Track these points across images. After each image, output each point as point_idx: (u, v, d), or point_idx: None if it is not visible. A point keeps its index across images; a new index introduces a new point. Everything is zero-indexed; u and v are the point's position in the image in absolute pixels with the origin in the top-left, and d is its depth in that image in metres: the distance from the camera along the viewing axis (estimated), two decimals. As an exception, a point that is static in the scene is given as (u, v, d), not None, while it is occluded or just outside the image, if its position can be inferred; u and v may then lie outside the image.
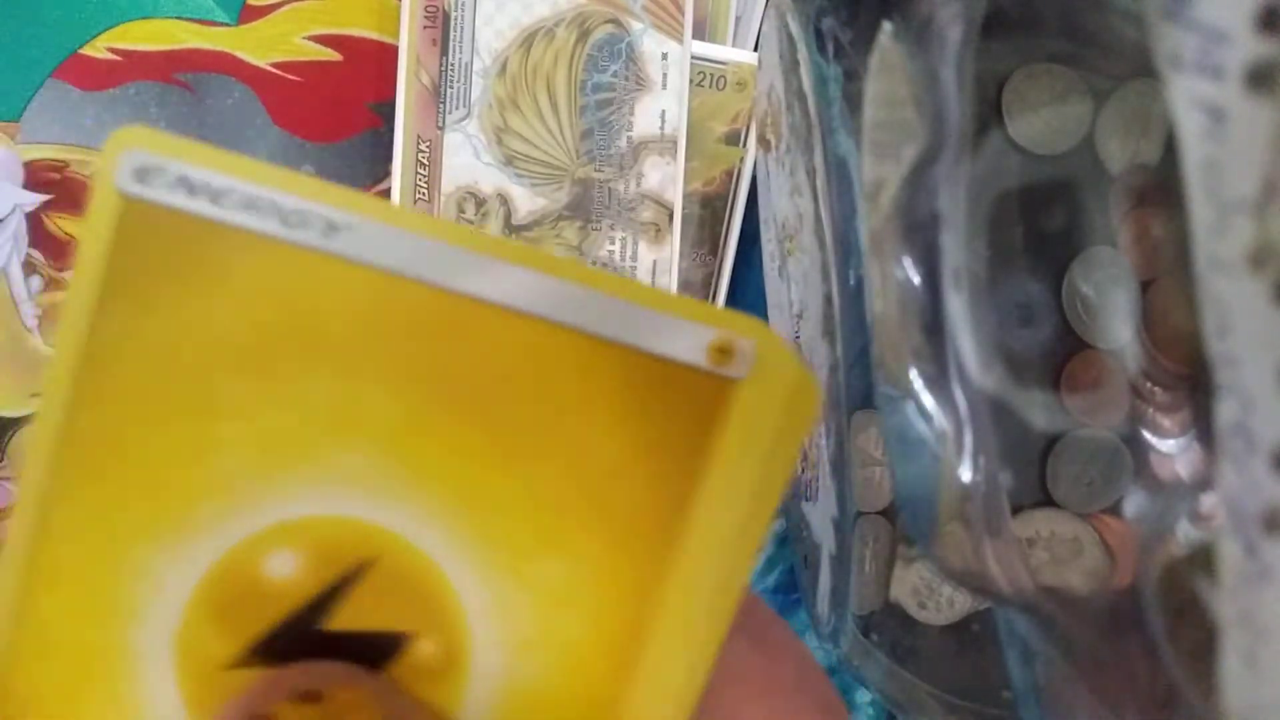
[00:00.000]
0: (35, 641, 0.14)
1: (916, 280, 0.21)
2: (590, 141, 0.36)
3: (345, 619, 0.14)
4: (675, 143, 0.36)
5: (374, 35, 0.36)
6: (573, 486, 0.14)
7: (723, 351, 0.14)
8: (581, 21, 0.35)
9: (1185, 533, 0.25)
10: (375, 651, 0.15)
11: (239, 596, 0.14)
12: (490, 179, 0.36)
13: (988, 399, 0.21)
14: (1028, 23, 0.26)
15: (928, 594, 0.30)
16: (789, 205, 0.31)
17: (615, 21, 0.36)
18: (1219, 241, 0.13)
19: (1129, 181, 0.27)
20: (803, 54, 0.28)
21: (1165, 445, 0.27)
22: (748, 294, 0.38)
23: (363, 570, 0.14)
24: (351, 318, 0.14)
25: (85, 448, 0.14)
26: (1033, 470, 0.28)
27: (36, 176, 0.36)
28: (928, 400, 0.21)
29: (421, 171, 0.35)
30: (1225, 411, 0.14)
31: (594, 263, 0.36)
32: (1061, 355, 0.28)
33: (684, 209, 0.36)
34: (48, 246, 0.36)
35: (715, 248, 0.37)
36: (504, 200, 0.36)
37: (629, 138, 0.36)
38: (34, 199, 0.36)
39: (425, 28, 0.35)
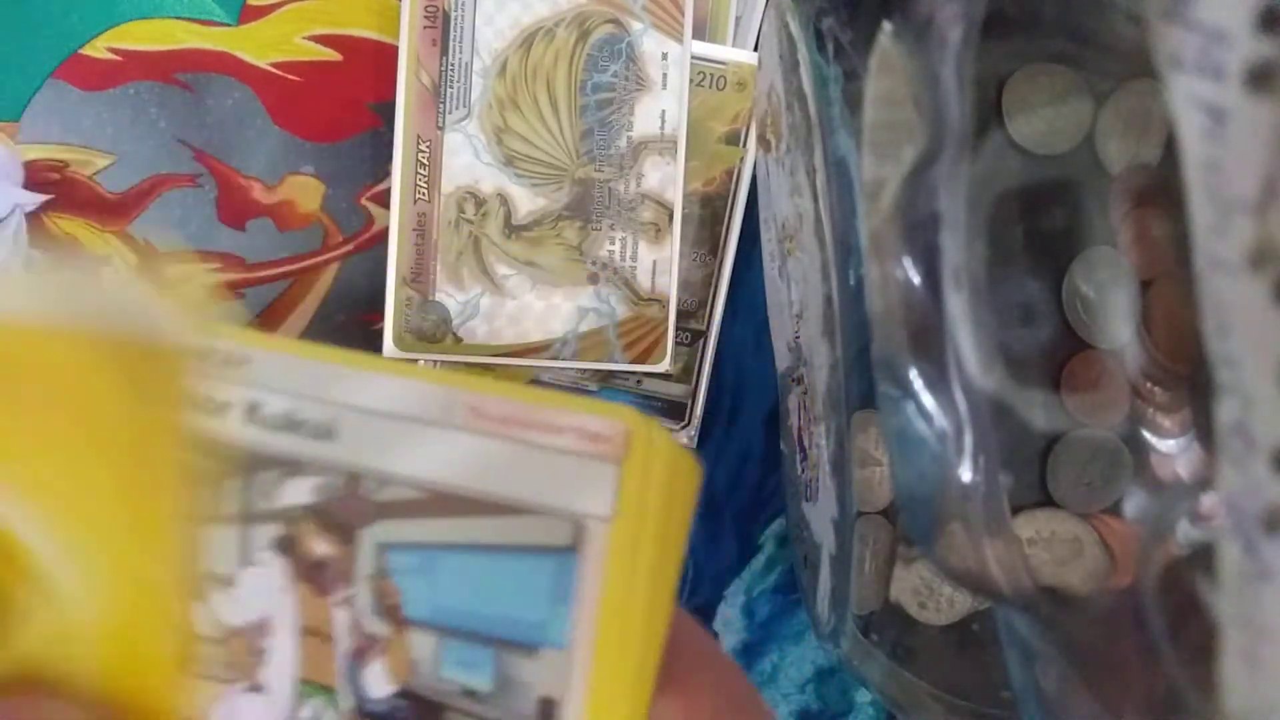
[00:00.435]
0: None
1: (916, 280, 0.21)
2: (590, 141, 0.36)
3: None
4: (675, 143, 0.36)
5: (374, 35, 0.36)
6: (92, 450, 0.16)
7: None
8: (581, 21, 0.35)
9: (1185, 533, 0.25)
10: None
11: None
12: (490, 179, 0.36)
13: (988, 399, 0.21)
14: (1028, 23, 0.26)
15: (928, 594, 0.30)
16: (789, 205, 0.31)
17: (615, 21, 0.36)
18: (1219, 241, 0.13)
19: (1129, 181, 0.27)
20: (803, 54, 0.28)
21: (1165, 445, 0.27)
22: (748, 294, 0.38)
23: None
24: None
25: None
26: (1033, 470, 0.28)
27: (36, 176, 0.36)
28: (928, 400, 0.21)
29: (421, 171, 0.35)
30: (1225, 411, 0.14)
31: (593, 262, 0.36)
32: (1061, 355, 0.28)
33: (684, 209, 0.36)
34: (47, 247, 0.36)
35: (715, 248, 0.37)
36: (504, 200, 0.36)
37: (629, 138, 0.36)
38: (34, 199, 0.36)
39: (425, 28, 0.35)
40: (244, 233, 0.36)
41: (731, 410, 0.38)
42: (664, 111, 0.36)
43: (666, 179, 0.36)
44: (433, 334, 0.35)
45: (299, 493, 0.16)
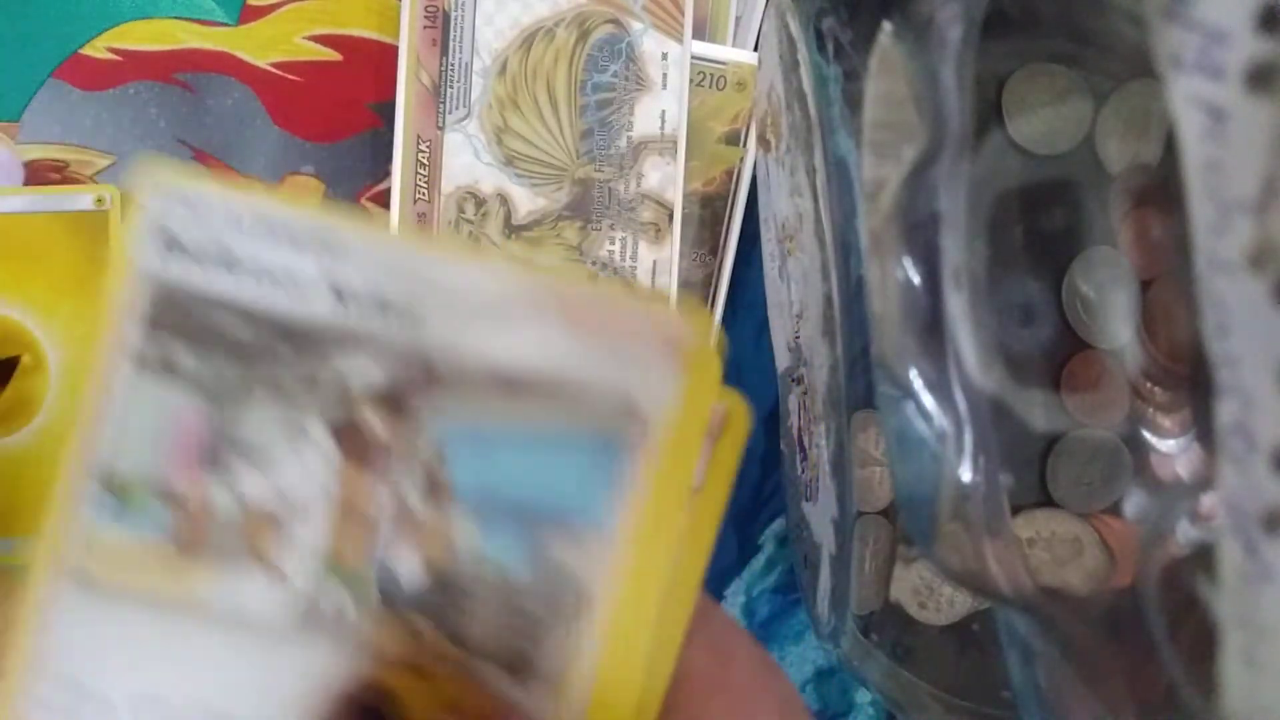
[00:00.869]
0: None
1: (916, 280, 0.21)
2: (590, 141, 0.36)
3: None
4: (675, 143, 0.36)
5: (374, 35, 0.36)
6: None
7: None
8: (581, 21, 0.35)
9: (1185, 533, 0.25)
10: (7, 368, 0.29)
11: None
12: (490, 179, 0.36)
13: (988, 399, 0.21)
14: (1028, 23, 0.26)
15: (928, 594, 0.30)
16: (789, 205, 0.31)
17: (615, 21, 0.36)
18: (1219, 241, 0.13)
19: (1129, 181, 0.27)
20: (803, 54, 0.28)
21: (1165, 445, 0.27)
22: (748, 294, 0.38)
23: None
24: None
25: None
26: (1033, 470, 0.28)
27: (36, 176, 0.36)
28: (928, 400, 0.21)
29: (421, 171, 0.35)
30: (1225, 411, 0.14)
31: (594, 263, 0.36)
32: (1061, 355, 0.28)
33: (684, 209, 0.36)
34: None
35: (715, 248, 0.37)
36: (504, 200, 0.36)
37: (629, 138, 0.36)
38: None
39: (425, 28, 0.35)
40: (244, 233, 0.36)
41: (731, 410, 0.38)
42: (664, 111, 0.36)
43: (666, 179, 0.36)
44: (433, 334, 0.35)
45: (369, 372, 0.16)
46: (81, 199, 0.36)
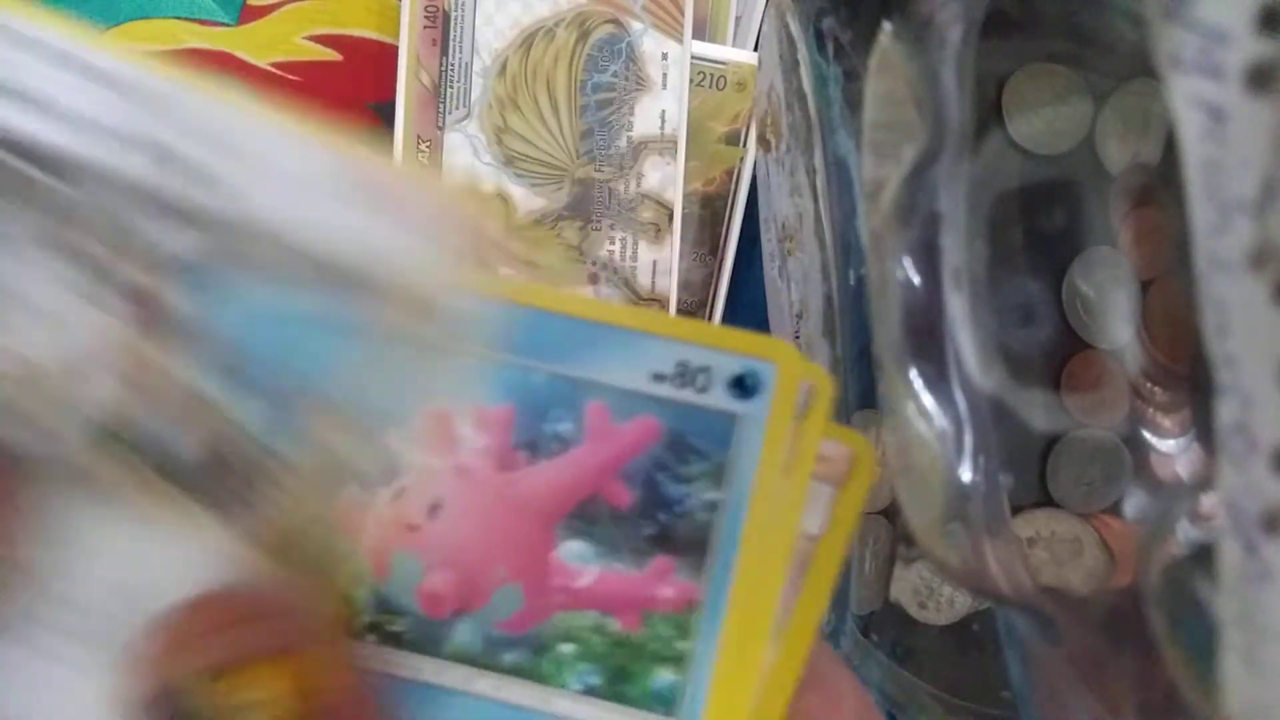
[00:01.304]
0: None
1: (916, 280, 0.21)
2: (590, 141, 0.36)
3: None
4: (675, 143, 0.36)
5: (374, 35, 0.36)
6: None
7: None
8: (581, 21, 0.35)
9: (1185, 533, 0.25)
10: None
11: None
12: (490, 179, 0.36)
13: (988, 399, 0.21)
14: (1028, 23, 0.26)
15: (928, 594, 0.30)
16: (789, 205, 0.31)
17: (615, 21, 0.36)
18: (1219, 241, 0.13)
19: (1129, 181, 0.27)
20: (803, 54, 0.28)
21: (1165, 445, 0.27)
22: (748, 294, 0.38)
23: None
24: None
25: None
26: (1033, 470, 0.28)
27: (36, 176, 0.36)
28: (928, 400, 0.21)
29: (421, 171, 0.35)
30: (1225, 411, 0.14)
31: (593, 262, 0.36)
32: (1061, 355, 0.28)
33: (684, 209, 0.36)
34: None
35: (715, 248, 0.37)
36: (504, 200, 0.36)
37: (629, 138, 0.36)
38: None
39: (425, 28, 0.35)
40: (244, 233, 0.36)
41: (731, 410, 0.38)
42: (664, 111, 0.36)
43: (666, 179, 0.36)
44: (433, 334, 0.35)
45: (177, 241, 0.15)
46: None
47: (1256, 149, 0.13)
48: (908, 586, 0.30)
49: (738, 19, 0.37)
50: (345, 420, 0.15)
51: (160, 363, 0.15)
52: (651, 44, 0.36)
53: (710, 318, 0.37)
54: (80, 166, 0.15)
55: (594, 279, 0.36)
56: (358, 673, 0.15)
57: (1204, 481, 0.26)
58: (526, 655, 0.16)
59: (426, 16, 0.35)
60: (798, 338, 0.32)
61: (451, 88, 0.35)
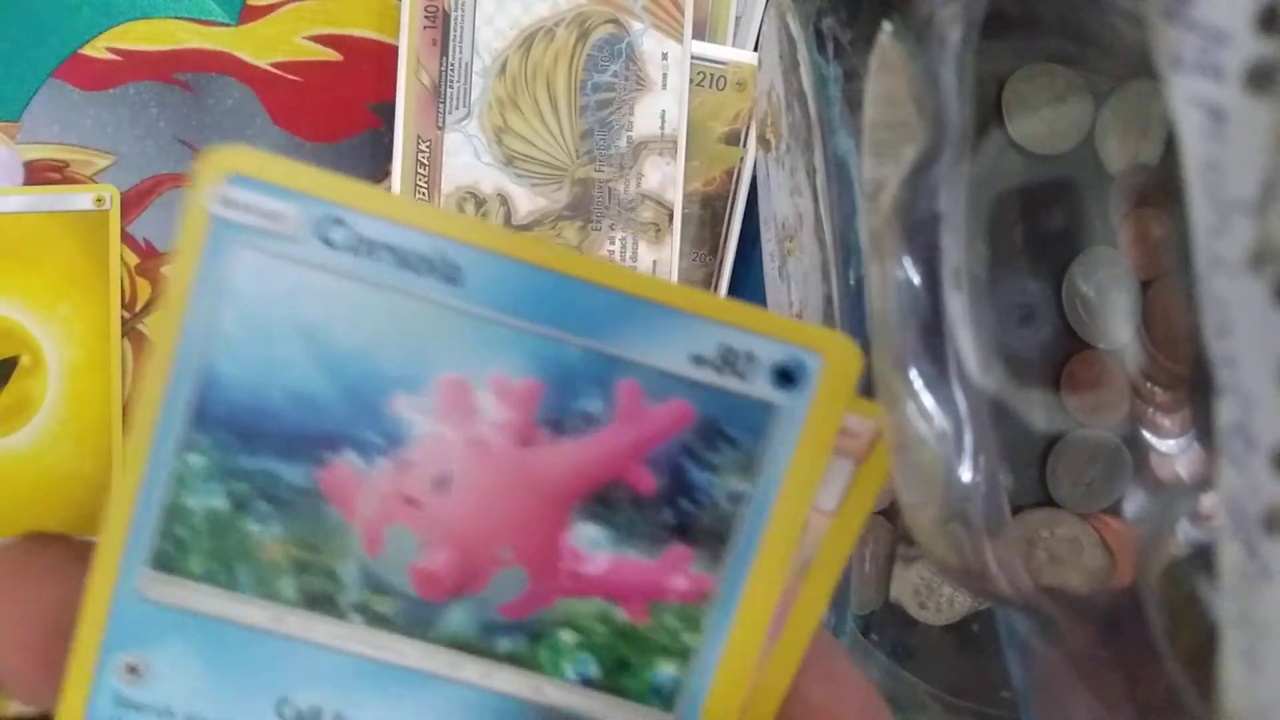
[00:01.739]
0: None
1: (916, 280, 0.21)
2: (590, 141, 0.36)
3: None
4: (675, 143, 0.36)
5: (374, 35, 0.36)
6: None
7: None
8: (581, 21, 0.35)
9: (1185, 533, 0.25)
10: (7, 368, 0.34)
11: None
12: (490, 179, 0.36)
13: (988, 399, 0.21)
14: (1028, 23, 0.26)
15: (928, 594, 0.30)
16: (789, 205, 0.31)
17: (615, 21, 0.36)
18: (1219, 241, 0.13)
19: (1129, 181, 0.27)
20: (803, 54, 0.28)
21: (1165, 445, 0.27)
22: (748, 294, 0.38)
23: None
24: None
25: None
26: (1033, 470, 0.28)
27: (36, 176, 0.36)
28: (928, 400, 0.21)
29: (421, 172, 0.35)
30: (1225, 411, 0.14)
31: (594, 263, 0.36)
32: (1061, 355, 0.28)
33: (684, 209, 0.36)
34: (48, 246, 0.36)
35: (715, 248, 0.37)
36: (504, 200, 0.36)
37: (629, 138, 0.36)
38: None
39: (425, 28, 0.35)
40: (244, 233, 0.36)
41: (731, 410, 0.38)
42: (664, 111, 0.36)
43: (666, 179, 0.36)
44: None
45: None
46: (81, 199, 0.36)
47: (1256, 149, 0.13)
48: (908, 586, 0.30)
49: (738, 19, 0.37)
50: None
51: None
52: (651, 44, 0.36)
53: (710, 318, 0.37)
54: None
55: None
56: None
57: (1204, 481, 0.26)
58: (523, 642, 0.16)
59: (426, 16, 0.35)
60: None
61: (451, 88, 0.35)
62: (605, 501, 0.15)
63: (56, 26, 0.35)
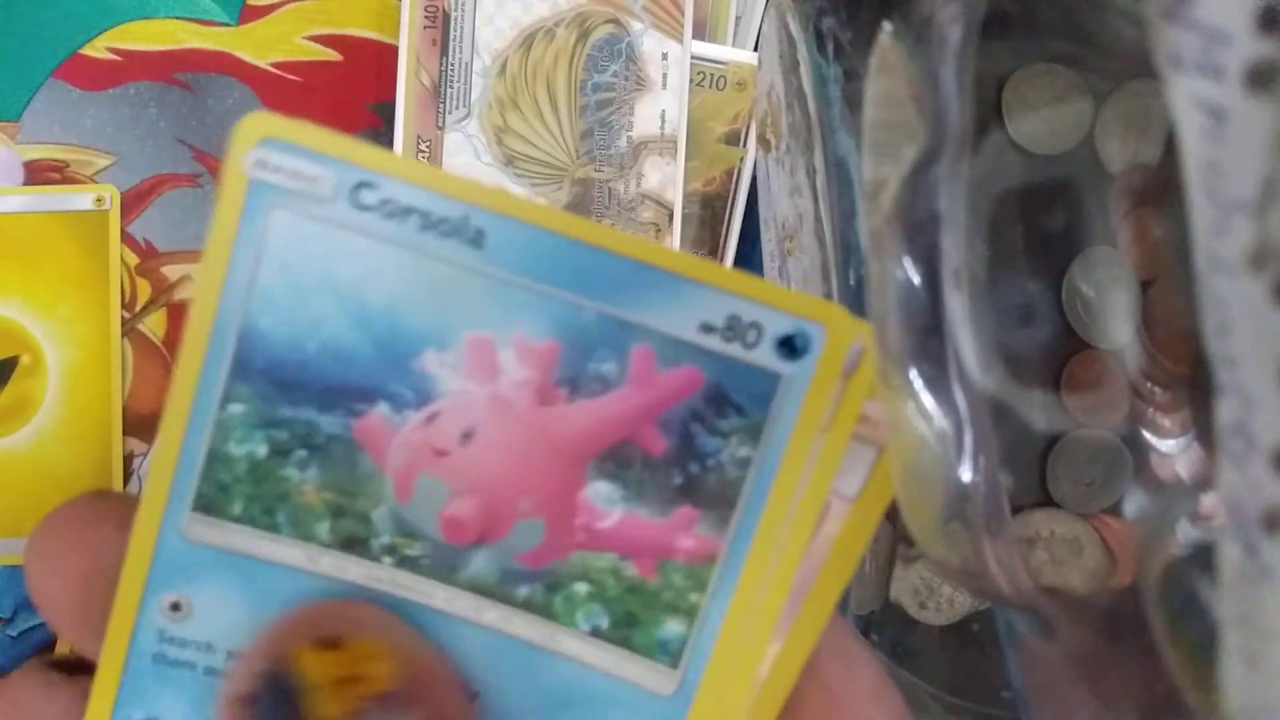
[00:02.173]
0: None
1: (916, 280, 0.21)
2: (590, 141, 0.36)
3: None
4: (675, 143, 0.36)
5: (374, 35, 0.36)
6: None
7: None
8: (581, 21, 0.35)
9: (1185, 533, 0.25)
10: (7, 368, 0.34)
11: None
12: (490, 179, 0.36)
13: (988, 399, 0.21)
14: (1028, 23, 0.26)
15: (928, 594, 0.30)
16: (789, 205, 0.31)
17: (615, 21, 0.36)
18: (1219, 241, 0.13)
19: (1129, 181, 0.27)
20: (803, 54, 0.28)
21: (1165, 445, 0.27)
22: (748, 294, 0.38)
23: None
24: None
25: None
26: (1033, 470, 0.28)
27: (36, 176, 0.36)
28: (928, 400, 0.21)
29: (421, 171, 0.35)
30: (1225, 411, 0.14)
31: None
32: (1061, 355, 0.28)
33: (684, 209, 0.36)
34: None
35: (715, 248, 0.37)
36: (504, 200, 0.36)
37: (629, 138, 0.36)
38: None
39: (425, 28, 0.35)
40: (244, 233, 0.36)
41: (731, 410, 0.38)
42: (664, 111, 0.36)
43: (666, 179, 0.36)
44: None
45: None
46: (81, 199, 0.36)
47: (1256, 149, 0.13)
48: (908, 586, 0.30)
49: (738, 19, 0.37)
50: None
51: None
52: (651, 44, 0.36)
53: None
54: None
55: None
56: (440, 667, 0.16)
57: (1204, 481, 0.26)
58: (540, 590, 0.16)
59: (426, 16, 0.35)
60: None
61: (451, 88, 0.35)
62: (619, 461, 0.16)
63: (56, 26, 0.35)
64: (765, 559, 0.16)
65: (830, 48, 0.27)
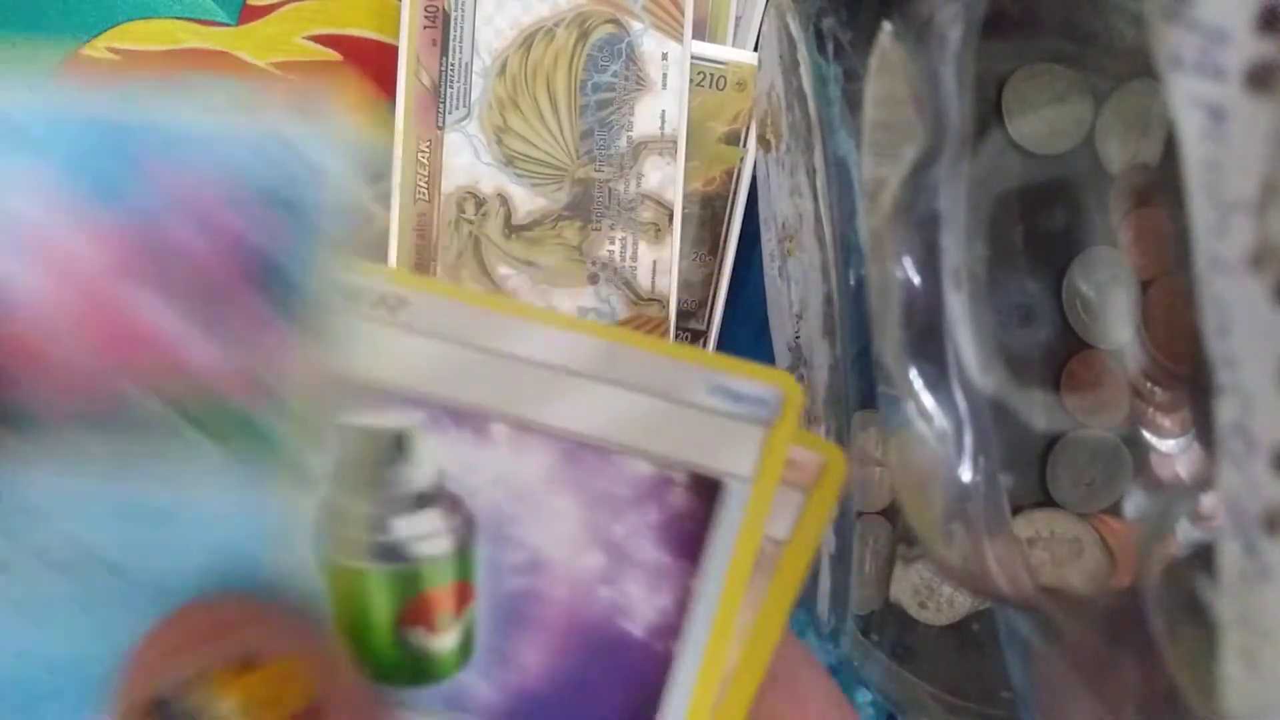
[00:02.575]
0: None
1: (916, 280, 0.21)
2: (590, 141, 0.36)
3: None
4: (675, 143, 0.36)
5: (374, 35, 0.36)
6: None
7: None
8: (581, 21, 0.35)
9: (1185, 533, 0.25)
10: None
11: None
12: (490, 179, 0.36)
13: (988, 399, 0.21)
14: (1028, 23, 0.26)
15: (928, 594, 0.30)
16: (789, 205, 0.31)
17: (615, 21, 0.36)
18: (1219, 241, 0.13)
19: (1129, 181, 0.27)
20: (803, 54, 0.28)
21: (1165, 445, 0.27)
22: (748, 294, 0.38)
23: None
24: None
25: None
26: (1033, 470, 0.28)
27: (36, 176, 0.36)
28: (928, 400, 0.21)
29: (421, 171, 0.35)
30: (1225, 411, 0.14)
31: (594, 262, 0.36)
32: (1061, 355, 0.28)
33: (684, 209, 0.36)
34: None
35: (715, 248, 0.37)
36: (504, 200, 0.36)
37: (629, 138, 0.36)
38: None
39: (425, 28, 0.35)
40: (244, 233, 0.36)
41: (731, 410, 0.38)
42: (664, 111, 0.36)
43: (666, 179, 0.36)
44: (433, 334, 0.35)
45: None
46: (81, 199, 0.36)
47: (1256, 149, 0.13)
48: (908, 586, 0.30)
49: (738, 19, 0.37)
50: None
51: None
52: (651, 44, 0.36)
53: (710, 318, 0.37)
54: None
55: (594, 279, 0.36)
56: (349, 676, 0.15)
57: (1204, 481, 0.26)
58: None
59: (426, 16, 0.35)
60: (798, 338, 0.32)
61: (451, 88, 0.35)
62: None
63: (56, 26, 0.35)
64: (714, 604, 0.17)
65: (830, 48, 0.27)
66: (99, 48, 0.36)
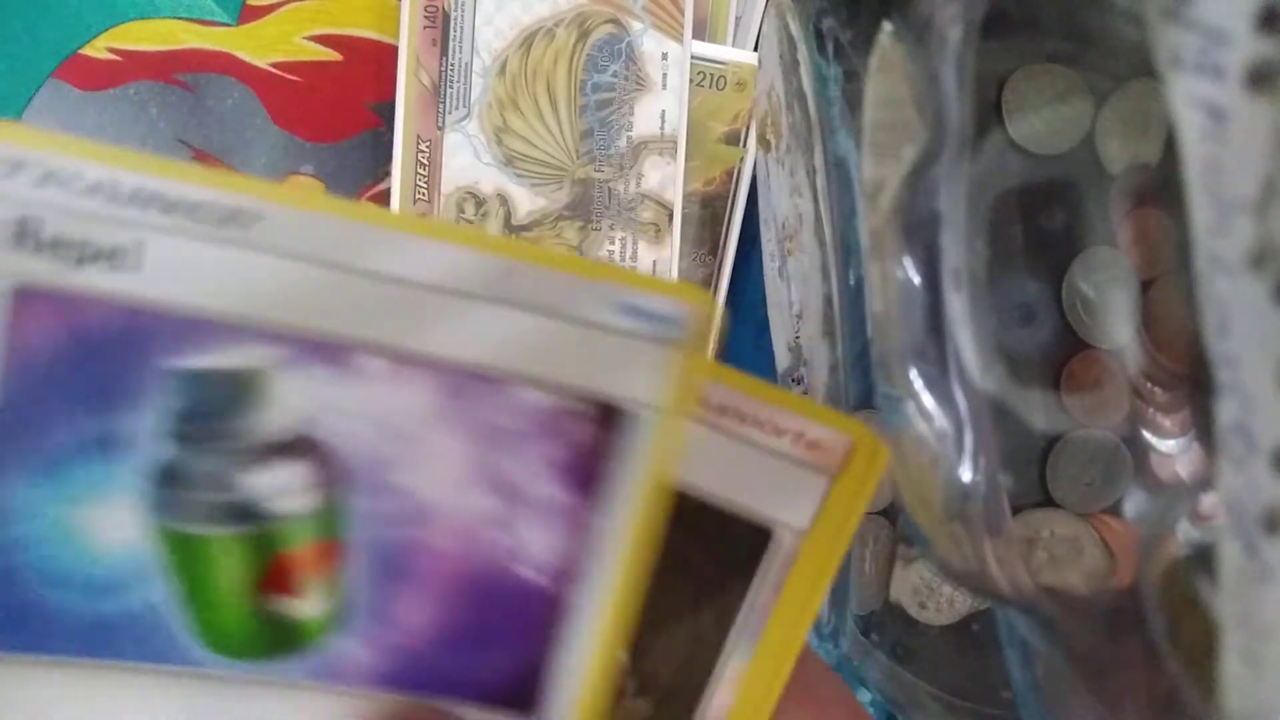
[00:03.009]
0: None
1: (916, 280, 0.21)
2: (590, 141, 0.36)
3: None
4: (675, 143, 0.36)
5: (374, 35, 0.36)
6: None
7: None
8: (581, 21, 0.35)
9: (1185, 533, 0.25)
10: None
11: None
12: (490, 179, 0.36)
13: (988, 399, 0.21)
14: (1028, 23, 0.26)
15: (928, 594, 0.30)
16: (789, 205, 0.31)
17: (615, 21, 0.36)
18: (1219, 241, 0.13)
19: (1129, 181, 0.27)
20: (803, 54, 0.28)
21: (1165, 445, 0.27)
22: (748, 294, 0.38)
23: None
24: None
25: None
26: (1033, 470, 0.28)
27: (36, 176, 0.36)
28: (928, 400, 0.21)
29: (421, 172, 0.35)
30: (1225, 411, 0.14)
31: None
32: (1061, 355, 0.28)
33: (684, 209, 0.36)
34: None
35: (715, 248, 0.37)
36: (504, 200, 0.36)
37: (629, 138, 0.36)
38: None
39: (425, 28, 0.35)
40: (244, 233, 0.36)
41: (731, 410, 0.38)
42: (664, 111, 0.36)
43: (666, 179, 0.36)
44: (433, 334, 0.35)
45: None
46: (81, 199, 0.36)
47: (1256, 149, 0.13)
48: (908, 586, 0.30)
49: (738, 19, 0.37)
50: None
51: None
52: (651, 44, 0.36)
53: (710, 318, 0.37)
54: None
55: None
56: None
57: (1204, 481, 0.26)
58: None
59: (426, 16, 0.35)
60: (798, 338, 0.32)
61: (451, 88, 0.35)
62: None
63: (56, 26, 0.35)
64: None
65: (830, 48, 0.27)
66: (99, 48, 0.36)
